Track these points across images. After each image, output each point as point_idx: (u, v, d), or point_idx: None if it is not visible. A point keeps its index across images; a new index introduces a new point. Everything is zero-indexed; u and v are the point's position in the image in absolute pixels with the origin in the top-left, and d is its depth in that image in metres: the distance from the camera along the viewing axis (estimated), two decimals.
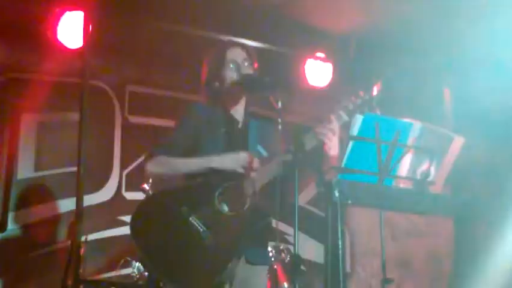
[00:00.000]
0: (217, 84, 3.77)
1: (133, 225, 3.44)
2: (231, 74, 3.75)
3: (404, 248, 7.52)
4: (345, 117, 3.41)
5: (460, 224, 7.52)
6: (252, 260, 3.58)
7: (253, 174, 3.47)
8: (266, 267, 3.80)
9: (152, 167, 3.68)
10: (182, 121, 3.79)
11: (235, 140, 3.70)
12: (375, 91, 3.38)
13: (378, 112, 3.36)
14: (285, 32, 6.57)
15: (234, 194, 3.47)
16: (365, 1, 6.26)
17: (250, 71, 3.75)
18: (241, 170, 3.49)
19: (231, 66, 3.76)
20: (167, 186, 3.69)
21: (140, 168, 6.36)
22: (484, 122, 6.52)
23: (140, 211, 3.51)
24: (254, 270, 3.61)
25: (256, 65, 3.83)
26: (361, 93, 3.40)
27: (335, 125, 3.41)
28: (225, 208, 3.46)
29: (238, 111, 3.82)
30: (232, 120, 3.77)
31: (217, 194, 3.46)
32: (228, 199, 3.47)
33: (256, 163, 3.50)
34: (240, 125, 3.79)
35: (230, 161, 3.52)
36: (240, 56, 3.79)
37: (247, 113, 3.85)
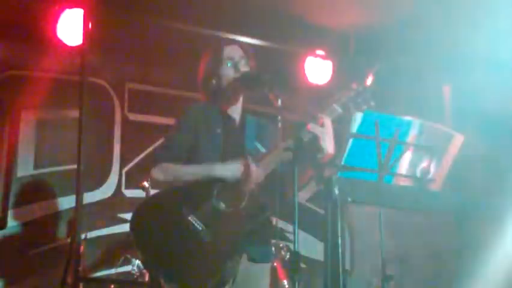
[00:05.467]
0: (214, 82, 3.75)
1: (133, 225, 3.45)
2: (227, 72, 3.73)
3: (404, 246, 7.52)
4: (339, 110, 3.39)
5: (460, 221, 7.52)
6: (254, 258, 3.58)
7: (252, 185, 3.46)
8: (268, 265, 3.81)
9: (157, 174, 3.66)
10: (181, 122, 3.78)
11: (232, 139, 3.69)
12: (368, 82, 3.37)
13: (372, 103, 3.35)
14: (285, 30, 6.56)
15: (232, 191, 3.47)
16: None
17: (247, 69, 3.73)
18: (242, 180, 3.47)
19: (228, 64, 3.75)
20: (167, 186, 3.68)
21: (142, 165, 6.43)
22: (483, 119, 6.52)
23: (140, 211, 3.51)
24: (257, 268, 3.61)
25: (253, 63, 3.81)
26: (354, 85, 3.38)
27: (326, 119, 3.39)
28: (223, 206, 3.46)
29: (236, 109, 3.81)
30: (229, 119, 3.76)
31: (215, 192, 3.46)
32: (226, 197, 3.47)
33: (256, 172, 3.48)
34: (237, 123, 3.78)
35: (232, 171, 3.50)
36: (236, 54, 3.77)
37: (245, 111, 3.84)
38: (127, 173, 6.54)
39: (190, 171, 3.58)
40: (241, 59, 3.75)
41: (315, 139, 3.38)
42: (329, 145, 3.40)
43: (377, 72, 3.40)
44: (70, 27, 5.89)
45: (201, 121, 3.70)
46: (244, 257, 3.53)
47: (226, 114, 3.77)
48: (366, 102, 3.35)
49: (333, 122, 3.41)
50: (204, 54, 3.87)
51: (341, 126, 3.43)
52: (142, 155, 6.54)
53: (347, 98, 3.37)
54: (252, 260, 3.57)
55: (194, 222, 3.39)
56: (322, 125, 3.38)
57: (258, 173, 3.46)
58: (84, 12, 5.39)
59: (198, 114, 3.75)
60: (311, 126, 3.38)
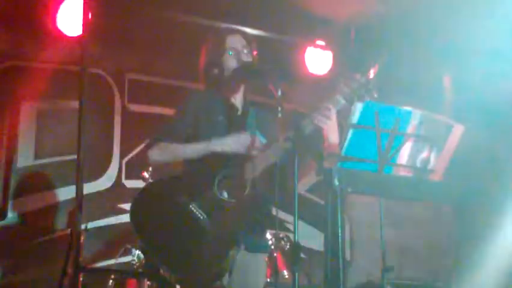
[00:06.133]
0: (216, 71, 3.74)
1: (133, 213, 3.44)
2: (230, 62, 3.72)
3: (404, 236, 7.53)
4: (342, 101, 3.39)
5: (460, 211, 7.54)
6: (250, 248, 3.58)
7: (255, 153, 3.46)
8: (265, 255, 3.81)
9: (154, 155, 3.66)
10: (182, 109, 3.77)
11: (234, 128, 3.69)
12: (371, 74, 3.36)
13: (376, 95, 3.34)
14: (285, 20, 6.55)
15: (234, 181, 3.47)
16: None
17: (249, 59, 3.73)
18: (243, 151, 3.47)
19: (230, 53, 3.74)
20: (167, 174, 3.68)
21: (142, 155, 6.43)
22: (484, 110, 6.52)
23: (140, 199, 3.51)
24: (253, 258, 3.61)
25: (255, 53, 3.80)
26: (357, 76, 3.37)
27: (331, 111, 3.39)
28: (225, 195, 3.46)
29: (237, 99, 3.80)
30: (231, 108, 3.76)
31: (216, 181, 3.46)
32: (227, 186, 3.47)
33: (258, 142, 3.49)
34: (239, 113, 3.78)
35: (231, 142, 3.51)
36: (239, 43, 3.77)
37: (246, 101, 3.84)
38: (127, 164, 6.55)
39: (188, 148, 3.57)
40: (243, 49, 3.75)
41: (319, 130, 3.39)
42: (333, 135, 3.40)
43: (381, 64, 3.39)
44: (70, 18, 5.88)
45: (203, 108, 3.70)
46: (241, 247, 3.54)
47: (228, 102, 3.77)
48: (369, 93, 3.34)
49: (336, 113, 3.41)
50: (206, 44, 3.86)
51: (341, 116, 3.43)
52: (142, 146, 6.53)
53: (351, 90, 3.36)
54: (248, 250, 3.58)
55: (195, 211, 3.39)
56: (327, 116, 3.37)
57: (257, 141, 3.47)
58: (84, 3, 5.36)
59: (200, 101, 3.74)
60: (316, 117, 3.37)
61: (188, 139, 3.65)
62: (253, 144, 3.48)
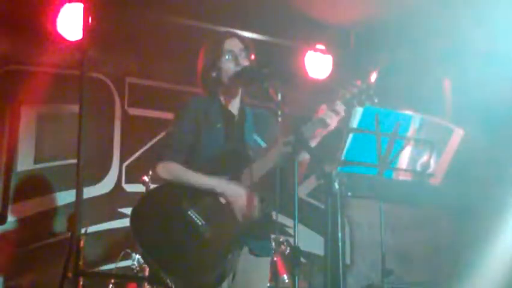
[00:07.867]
0: (214, 75, 3.74)
1: (133, 220, 3.45)
2: (227, 65, 3.71)
3: (404, 240, 7.53)
4: (343, 107, 3.38)
5: (460, 215, 7.53)
6: (255, 252, 3.58)
7: (249, 216, 3.46)
8: (268, 259, 3.81)
9: (162, 173, 3.64)
10: (182, 117, 3.75)
11: (233, 134, 3.68)
12: (372, 80, 3.35)
13: (376, 100, 3.34)
14: (285, 24, 6.56)
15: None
16: None
17: (246, 62, 3.72)
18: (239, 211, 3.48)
19: (228, 57, 3.73)
20: (167, 181, 3.68)
21: (143, 164, 6.42)
22: (483, 114, 6.52)
23: (139, 205, 3.52)
24: (257, 262, 3.61)
25: (253, 56, 3.79)
26: (358, 82, 3.36)
27: (340, 108, 3.37)
28: (224, 200, 3.46)
29: (235, 105, 3.80)
30: (229, 114, 3.75)
31: None
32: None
33: (255, 205, 3.47)
34: (236, 118, 3.77)
35: (235, 197, 3.49)
36: (236, 47, 3.75)
37: (244, 106, 3.83)
38: (127, 168, 6.54)
39: (196, 181, 3.54)
40: (241, 52, 3.73)
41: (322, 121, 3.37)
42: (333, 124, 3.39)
43: (381, 69, 3.39)
44: (70, 22, 5.88)
45: (201, 115, 3.69)
46: (245, 251, 3.53)
47: (226, 109, 3.76)
48: (370, 99, 3.33)
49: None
50: (204, 47, 3.85)
51: (341, 120, 3.42)
52: (142, 150, 6.55)
53: (351, 95, 3.35)
54: (253, 254, 3.57)
55: (194, 217, 3.39)
56: (336, 112, 3.36)
57: (254, 209, 3.47)
58: (84, 7, 5.37)
59: (198, 108, 3.73)
60: (325, 113, 3.36)
61: (191, 149, 3.63)
62: (251, 204, 3.46)
